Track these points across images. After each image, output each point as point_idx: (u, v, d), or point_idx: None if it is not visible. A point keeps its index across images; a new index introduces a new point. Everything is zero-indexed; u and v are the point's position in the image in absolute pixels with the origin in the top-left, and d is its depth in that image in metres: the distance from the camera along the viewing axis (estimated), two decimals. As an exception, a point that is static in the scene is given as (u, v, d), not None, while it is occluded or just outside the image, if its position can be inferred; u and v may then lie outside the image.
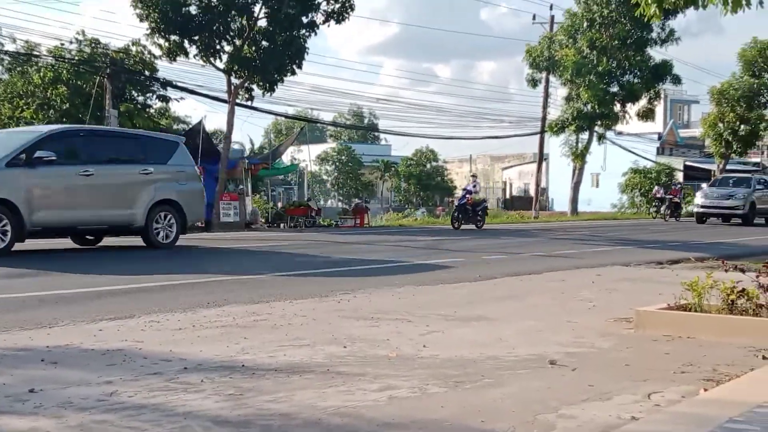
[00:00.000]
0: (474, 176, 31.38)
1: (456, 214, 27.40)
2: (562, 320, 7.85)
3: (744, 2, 9.05)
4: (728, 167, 50.49)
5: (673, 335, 6.97)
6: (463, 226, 26.93)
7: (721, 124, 45.69)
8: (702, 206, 33.60)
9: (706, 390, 5.00)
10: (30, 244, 14.59)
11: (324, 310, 8.41)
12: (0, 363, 5.70)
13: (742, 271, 7.58)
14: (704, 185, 38.25)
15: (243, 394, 4.88)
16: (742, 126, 45.55)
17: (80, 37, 28.92)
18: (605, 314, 8.21)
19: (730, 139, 45.82)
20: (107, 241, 17.20)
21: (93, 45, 29.12)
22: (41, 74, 28.05)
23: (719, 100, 45.41)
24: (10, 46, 29.83)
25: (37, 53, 28.77)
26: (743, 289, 7.07)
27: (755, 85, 44.87)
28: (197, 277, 11.28)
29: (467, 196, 27.65)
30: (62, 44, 28.83)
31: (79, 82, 27.96)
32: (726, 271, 7.90)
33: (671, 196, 38.67)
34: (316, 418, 4.40)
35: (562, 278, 11.90)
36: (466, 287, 10.75)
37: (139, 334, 6.90)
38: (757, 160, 64.99)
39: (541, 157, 46.43)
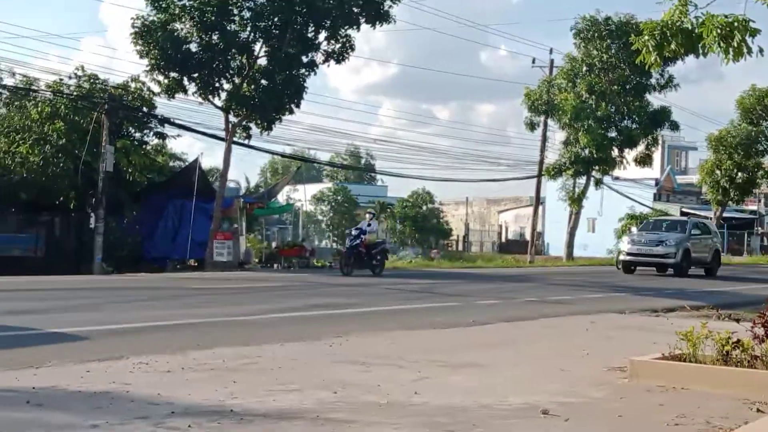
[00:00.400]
0: (371, 213, 27.59)
1: (346, 259, 23.57)
2: (555, 368, 7.77)
3: (745, 51, 9.10)
4: (725, 215, 50.63)
5: (668, 386, 6.89)
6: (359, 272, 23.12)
7: (718, 171, 45.85)
8: (629, 253, 28.76)
9: (700, 444, 4.92)
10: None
11: (315, 353, 8.32)
12: (-17, 404, 5.61)
13: (737, 320, 7.55)
14: (633, 229, 35.12)
15: (230, 441, 4.79)
16: (740, 173, 45.72)
17: (79, 73, 29.02)
18: (599, 363, 8.13)
19: (728, 186, 45.95)
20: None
21: (92, 80, 29.18)
22: (39, 109, 28.07)
23: (717, 147, 45.61)
24: (9, 81, 29.96)
25: (36, 88, 28.83)
26: (738, 340, 7.01)
27: (753, 133, 45.12)
28: (187, 318, 11.18)
29: (362, 236, 23.33)
30: (61, 79, 28.92)
31: (76, 118, 27.96)
32: (721, 320, 7.86)
33: None
34: (303, 467, 4.31)
35: (556, 325, 11.82)
36: (460, 332, 10.67)
37: (127, 376, 6.81)
38: (754, 207, 65.19)
39: (538, 201, 46.47)
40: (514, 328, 11.31)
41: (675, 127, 43.13)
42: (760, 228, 62.50)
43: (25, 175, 27.56)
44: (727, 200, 47.61)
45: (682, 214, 58.13)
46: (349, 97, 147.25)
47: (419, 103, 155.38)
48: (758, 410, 6.03)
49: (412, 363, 7.83)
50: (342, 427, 5.19)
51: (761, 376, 6.68)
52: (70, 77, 29.08)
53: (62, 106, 28.12)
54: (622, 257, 29.35)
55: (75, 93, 28.74)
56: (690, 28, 9.43)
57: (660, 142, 46.90)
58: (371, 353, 8.38)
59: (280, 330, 10.14)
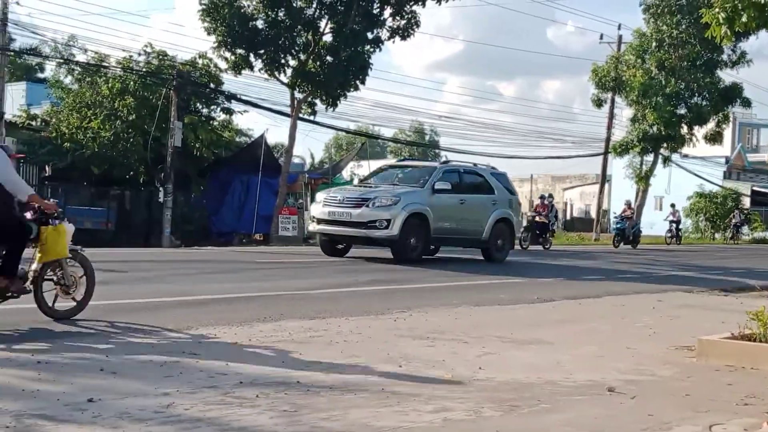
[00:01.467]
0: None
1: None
2: (621, 346, 7.71)
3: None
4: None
5: (736, 365, 6.80)
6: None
7: (791, 149, 44.69)
8: (320, 221, 17.75)
9: (769, 424, 4.86)
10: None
11: (380, 327, 8.39)
12: (60, 371, 5.79)
13: (810, 302, 7.38)
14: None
15: (298, 411, 4.88)
16: (813, 150, 44.49)
17: (148, 49, 29.46)
18: (666, 342, 8.05)
19: (801, 164, 44.78)
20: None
21: (161, 57, 29.61)
22: (109, 85, 28.60)
23: (790, 125, 44.42)
24: (80, 57, 30.56)
25: (107, 64, 29.35)
26: (811, 321, 6.87)
27: (827, 110, 43.83)
28: (253, 291, 11.34)
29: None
30: (131, 56, 29.39)
31: (146, 94, 28.44)
32: (793, 301, 7.70)
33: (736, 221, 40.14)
34: (370, 438, 4.37)
35: (622, 303, 11.71)
36: (524, 309, 10.65)
37: (196, 346, 6.95)
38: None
39: (604, 179, 45.86)
40: (578, 306, 11.24)
41: (747, 104, 42.13)
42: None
43: (96, 149, 28.17)
44: (800, 178, 46.43)
45: (753, 193, 56.90)
46: (414, 73, 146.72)
47: (484, 80, 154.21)
48: (831, 392, 5.91)
49: (477, 338, 7.85)
50: (407, 400, 5.23)
51: (834, 358, 6.54)
52: (139, 54, 29.57)
53: (132, 83, 28.62)
54: (313, 227, 18.73)
55: (144, 69, 29.21)
56: (762, 1, 9.18)
57: (731, 119, 45.85)
58: (435, 328, 8.42)
59: (344, 304, 10.24)
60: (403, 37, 27.87)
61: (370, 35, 27.64)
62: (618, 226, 33.61)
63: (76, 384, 5.41)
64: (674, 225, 39.31)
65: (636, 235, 33.64)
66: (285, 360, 6.45)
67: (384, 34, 27.84)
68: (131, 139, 28.51)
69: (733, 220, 42.82)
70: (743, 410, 5.29)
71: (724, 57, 40.03)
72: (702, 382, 6.18)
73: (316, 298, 10.93)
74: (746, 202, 53.55)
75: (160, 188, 27.34)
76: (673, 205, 40.63)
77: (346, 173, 47.04)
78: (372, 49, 27.82)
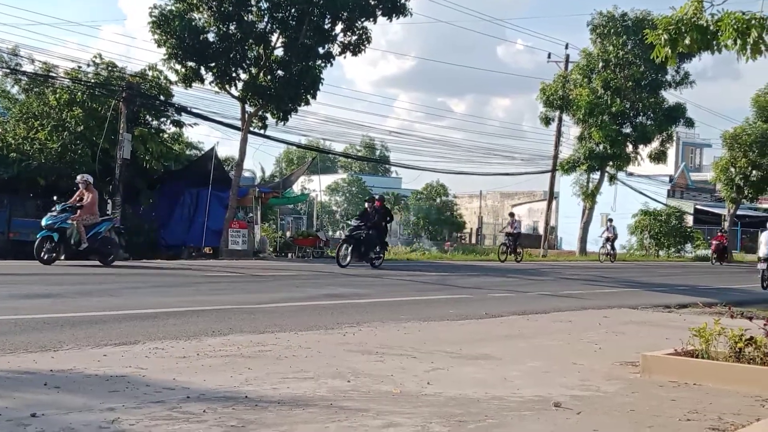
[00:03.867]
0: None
1: None
2: (568, 362, 7.80)
3: (763, 48, 9.09)
4: (739, 212, 50.45)
5: (680, 381, 6.92)
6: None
7: (732, 169, 45.71)
8: None
9: (711, 439, 4.96)
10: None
11: (329, 342, 8.38)
12: (2, 386, 5.68)
13: (750, 318, 7.56)
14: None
15: (245, 426, 4.85)
16: (754, 171, 45.56)
17: (97, 60, 29.16)
18: (611, 357, 8.16)
19: (742, 184, 45.82)
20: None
21: (110, 68, 29.34)
22: (57, 96, 28.25)
23: (732, 145, 45.46)
24: (28, 67, 30.13)
25: (54, 75, 28.98)
26: (751, 338, 7.02)
27: (768, 131, 44.93)
28: (202, 305, 11.26)
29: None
30: (79, 67, 29.09)
31: (94, 105, 28.13)
32: (733, 317, 7.87)
33: (717, 242, 40.96)
34: (318, 453, 4.37)
35: (568, 319, 11.85)
36: (472, 324, 10.71)
37: (143, 360, 6.88)
38: (768, 206, 64.88)
39: (552, 196, 46.41)
40: (527, 321, 11.34)
41: (690, 124, 43.05)
42: (774, 226, 62.21)
43: (43, 161, 27.75)
44: (741, 198, 47.46)
45: (696, 211, 58.04)
46: (366, 88, 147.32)
47: (435, 96, 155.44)
48: (770, 407, 6.05)
49: (426, 354, 7.88)
50: (355, 415, 5.24)
51: (773, 374, 6.69)
52: (88, 65, 29.29)
53: (80, 94, 28.30)
54: None
55: (93, 80, 28.90)
56: (705, 24, 9.41)
57: (674, 138, 46.81)
58: (385, 343, 8.44)
59: (294, 318, 10.21)
60: (355, 53, 28.01)
61: (321, 50, 27.73)
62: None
63: (18, 399, 5.31)
64: (609, 243, 38.24)
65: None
66: (233, 375, 6.41)
67: (335, 49, 27.96)
68: (79, 151, 28.13)
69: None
70: (686, 426, 5.38)
71: (668, 78, 40.89)
72: (646, 398, 6.28)
73: (266, 312, 10.88)
74: (689, 220, 54.56)
75: (109, 201, 27.00)
76: (610, 220, 40.38)
77: (296, 187, 47.05)
78: (323, 64, 27.92)
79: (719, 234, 43.82)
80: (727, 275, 28.84)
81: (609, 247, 38.07)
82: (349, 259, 21.90)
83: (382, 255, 23.31)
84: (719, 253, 41.40)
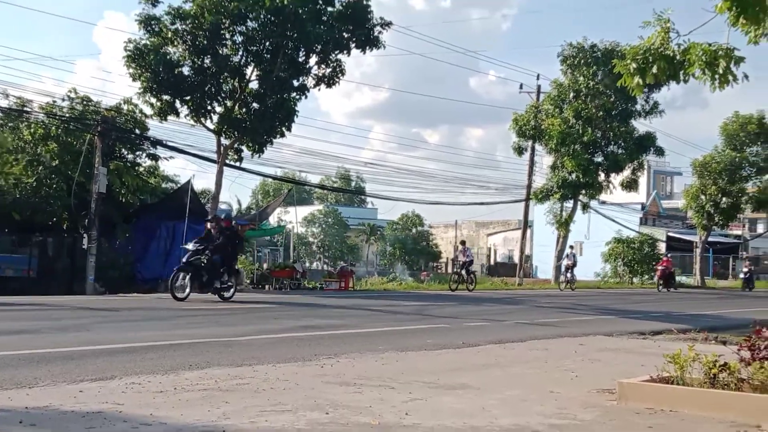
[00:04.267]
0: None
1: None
2: (545, 390, 7.85)
3: (731, 78, 9.26)
4: (710, 239, 50.93)
5: (656, 408, 6.98)
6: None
7: (703, 197, 46.26)
8: None
9: (687, 465, 5.01)
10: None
11: (307, 374, 8.38)
12: (-21, 423, 5.65)
13: (724, 343, 7.65)
14: None
15: (224, 460, 4.85)
16: (724, 198, 46.13)
17: (72, 95, 29.12)
18: (588, 385, 8.22)
19: (712, 211, 46.36)
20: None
21: (84, 102, 29.30)
22: (32, 130, 28.16)
23: (702, 173, 46.07)
24: (2, 102, 30.04)
25: (29, 109, 28.90)
26: (725, 363, 7.10)
27: (737, 159, 45.58)
28: (179, 339, 11.22)
29: None
30: (54, 101, 29.03)
31: (69, 139, 28.06)
32: (708, 343, 7.96)
33: (663, 267, 39.53)
34: (298, 486, 4.37)
35: (545, 347, 11.90)
36: (450, 354, 10.74)
37: (119, 396, 6.85)
38: (739, 232, 65.62)
39: (526, 225, 46.69)
40: (503, 350, 11.38)
41: (660, 152, 43.55)
42: (744, 252, 62.86)
43: (18, 195, 27.60)
44: (712, 225, 47.99)
45: (668, 238, 58.56)
46: (340, 120, 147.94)
47: (409, 127, 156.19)
48: (744, 432, 6.12)
49: (404, 384, 7.90)
50: (335, 447, 5.25)
51: (747, 399, 6.77)
52: (63, 99, 29.27)
53: (55, 128, 28.21)
54: None
55: (68, 115, 28.83)
56: (672, 54, 9.59)
57: (646, 167, 47.38)
58: (363, 374, 8.45)
59: (272, 351, 10.19)
60: (329, 85, 28.17)
61: (296, 83, 27.86)
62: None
63: (-5, 437, 5.29)
64: (568, 271, 37.06)
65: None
66: (211, 409, 6.40)
67: (310, 81, 28.13)
68: (54, 185, 28.01)
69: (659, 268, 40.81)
70: (661, 451, 5.44)
71: (638, 107, 41.40)
72: (623, 426, 6.33)
73: (243, 344, 10.86)
74: (662, 247, 55.01)
75: (84, 234, 26.85)
76: (571, 247, 39.77)
77: (273, 219, 47.02)
78: (298, 97, 28.05)
79: (664, 259, 42.71)
80: (701, 301, 29.06)
81: (569, 275, 36.91)
82: (188, 290, 18.93)
83: (231, 283, 20.21)
84: (665, 279, 39.69)
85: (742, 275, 45.60)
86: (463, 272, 31.12)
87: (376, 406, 6.72)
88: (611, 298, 28.42)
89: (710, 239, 51.43)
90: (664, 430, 6.12)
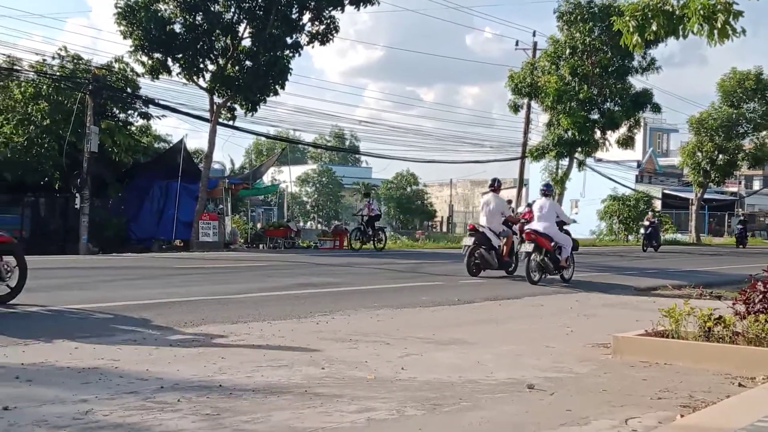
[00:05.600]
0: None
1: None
2: (540, 345, 7.86)
3: (730, 32, 9.16)
4: (706, 196, 50.96)
5: (651, 361, 7.00)
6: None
7: (699, 154, 46.16)
8: None
9: (682, 416, 5.03)
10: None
11: (303, 331, 8.38)
12: (-26, 379, 5.64)
13: (719, 298, 7.66)
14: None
15: (220, 414, 4.85)
16: (720, 155, 46.02)
17: (63, 53, 28.81)
18: (583, 340, 8.24)
19: (708, 168, 46.28)
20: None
21: (75, 61, 28.99)
22: (22, 89, 27.91)
23: (698, 130, 45.91)
24: (-8, 61, 29.67)
25: (19, 68, 28.60)
26: (720, 317, 7.11)
27: (734, 116, 45.38)
28: (175, 297, 11.21)
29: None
30: (44, 60, 28.72)
31: (60, 98, 27.79)
32: (703, 298, 7.96)
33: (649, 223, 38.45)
34: (294, 439, 4.37)
35: (540, 303, 11.93)
36: (446, 310, 10.76)
37: (115, 353, 6.85)
38: (735, 189, 65.66)
39: (521, 183, 46.60)
40: (499, 307, 11.41)
41: (657, 109, 43.29)
42: (740, 210, 62.99)
43: (9, 155, 27.40)
44: (708, 182, 47.94)
45: (664, 196, 58.61)
46: (335, 78, 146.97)
47: (404, 86, 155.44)
48: (740, 384, 6.14)
49: (399, 340, 7.90)
50: (330, 401, 5.25)
51: (742, 352, 6.79)
52: (53, 57, 28.91)
53: (46, 87, 27.95)
54: None
55: (58, 73, 28.55)
56: (671, 9, 9.48)
57: (642, 124, 47.08)
58: (358, 331, 8.46)
59: (267, 308, 10.19)
60: (323, 42, 27.90)
61: (289, 40, 27.58)
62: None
63: (-10, 393, 5.27)
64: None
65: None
66: (207, 365, 6.40)
67: (303, 39, 27.84)
68: (46, 145, 27.80)
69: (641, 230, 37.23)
70: (658, 404, 5.45)
71: (635, 64, 41.06)
72: (618, 378, 6.35)
73: (239, 302, 10.86)
74: (657, 204, 55.03)
75: (77, 194, 26.73)
76: (529, 205, 33.69)
77: (266, 178, 46.88)
78: (291, 54, 27.77)
79: (650, 215, 40.05)
80: (696, 257, 29.15)
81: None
82: None
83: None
84: (649, 238, 36.03)
85: (736, 232, 45.60)
86: (369, 229, 27.90)
87: (371, 361, 6.73)
88: (606, 255, 28.47)
89: (706, 196, 51.42)
90: (659, 382, 6.14)
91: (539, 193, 16.44)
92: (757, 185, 73.61)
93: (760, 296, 7.21)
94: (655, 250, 34.94)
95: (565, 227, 15.86)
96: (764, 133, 46.64)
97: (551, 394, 5.67)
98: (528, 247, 14.95)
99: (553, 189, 19.10)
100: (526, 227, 16.00)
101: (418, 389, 5.71)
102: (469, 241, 16.40)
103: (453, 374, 6.27)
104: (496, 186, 17.39)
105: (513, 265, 16.71)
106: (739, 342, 6.95)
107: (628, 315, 10.24)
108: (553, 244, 15.08)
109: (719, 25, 9.17)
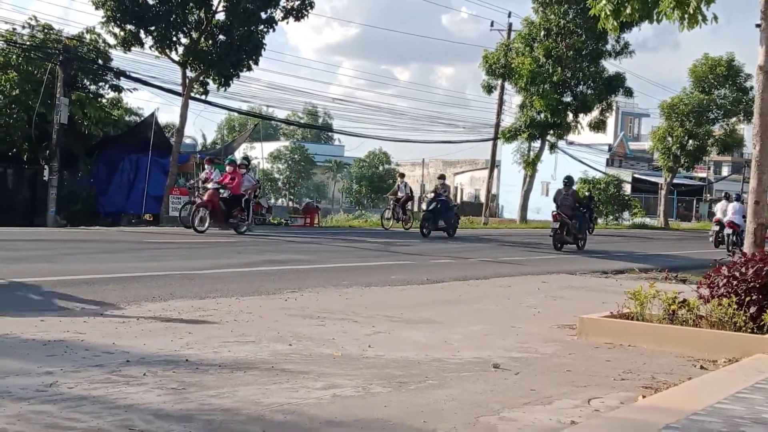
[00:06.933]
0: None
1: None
2: (507, 325, 7.93)
3: (700, 18, 9.24)
4: (675, 181, 51.39)
5: (615, 343, 7.08)
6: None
7: (669, 138, 46.51)
8: None
9: (644, 397, 5.10)
10: None
11: (270, 307, 8.38)
12: (-63, 350, 5.59)
13: (684, 281, 7.74)
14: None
15: (186, 389, 4.85)
16: (690, 141, 46.42)
17: (33, 23, 28.39)
18: (549, 321, 8.31)
19: (678, 153, 46.66)
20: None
21: (46, 31, 28.58)
22: (-10, 58, 27.53)
23: (669, 115, 46.24)
24: (-41, 29, 29.15)
25: (-13, 37, 28.19)
26: (684, 300, 7.21)
27: (704, 101, 45.74)
28: (143, 271, 11.16)
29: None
30: (14, 29, 28.28)
31: (30, 68, 27.41)
32: (668, 281, 8.05)
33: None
34: (259, 414, 4.39)
35: (508, 284, 12.01)
36: (414, 290, 10.80)
37: (81, 326, 6.81)
38: (704, 174, 66.31)
39: (493, 164, 46.71)
40: (467, 287, 11.47)
41: (629, 93, 43.54)
42: (708, 195, 63.65)
43: (-24, 125, 27.03)
44: (677, 167, 48.35)
45: (634, 180, 59.05)
46: (310, 56, 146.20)
47: (379, 64, 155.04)
48: (701, 367, 6.23)
49: (367, 318, 7.93)
50: (297, 377, 5.27)
51: (705, 335, 6.89)
52: (23, 27, 28.46)
53: (15, 56, 27.54)
54: None
55: (28, 43, 28.14)
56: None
57: (614, 108, 47.34)
58: (326, 308, 8.47)
59: (235, 284, 10.18)
60: (297, 18, 27.71)
61: (264, 15, 27.38)
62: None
63: (-47, 364, 5.23)
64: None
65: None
66: (174, 339, 6.39)
67: (278, 14, 27.64)
68: (14, 115, 27.43)
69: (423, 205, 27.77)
70: (620, 385, 5.52)
71: (609, 48, 41.23)
72: (582, 359, 6.42)
73: (207, 277, 10.83)
74: (627, 188, 55.46)
75: (45, 166, 26.45)
76: (441, 177, 28.70)
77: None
78: (266, 29, 27.58)
79: (438, 183, 33.09)
80: (660, 242, 29.44)
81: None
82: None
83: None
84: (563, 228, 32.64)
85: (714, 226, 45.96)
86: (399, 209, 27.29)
87: (339, 339, 6.76)
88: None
89: (675, 181, 51.87)
90: (622, 363, 6.22)
91: (562, 184, 21.91)
92: (725, 171, 74.39)
93: (725, 280, 7.31)
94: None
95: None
96: (734, 119, 47.04)
97: (516, 373, 5.73)
98: (555, 224, 20.57)
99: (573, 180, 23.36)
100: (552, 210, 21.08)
101: (384, 367, 5.74)
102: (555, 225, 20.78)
103: (420, 353, 6.31)
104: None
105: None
106: (703, 325, 7.05)
107: (595, 297, 10.34)
108: (573, 222, 20.73)
109: (691, 11, 9.24)
